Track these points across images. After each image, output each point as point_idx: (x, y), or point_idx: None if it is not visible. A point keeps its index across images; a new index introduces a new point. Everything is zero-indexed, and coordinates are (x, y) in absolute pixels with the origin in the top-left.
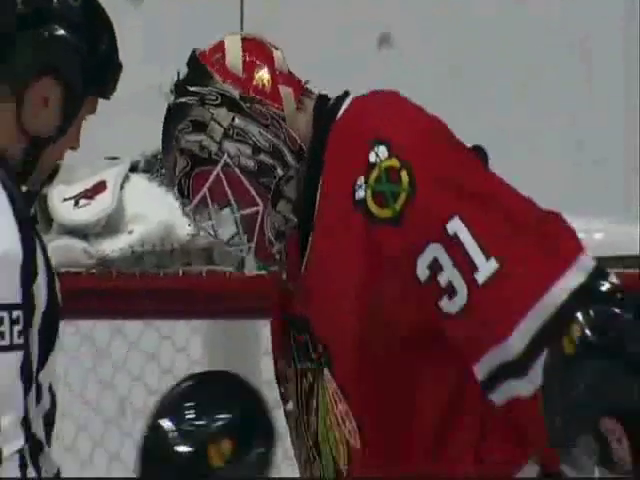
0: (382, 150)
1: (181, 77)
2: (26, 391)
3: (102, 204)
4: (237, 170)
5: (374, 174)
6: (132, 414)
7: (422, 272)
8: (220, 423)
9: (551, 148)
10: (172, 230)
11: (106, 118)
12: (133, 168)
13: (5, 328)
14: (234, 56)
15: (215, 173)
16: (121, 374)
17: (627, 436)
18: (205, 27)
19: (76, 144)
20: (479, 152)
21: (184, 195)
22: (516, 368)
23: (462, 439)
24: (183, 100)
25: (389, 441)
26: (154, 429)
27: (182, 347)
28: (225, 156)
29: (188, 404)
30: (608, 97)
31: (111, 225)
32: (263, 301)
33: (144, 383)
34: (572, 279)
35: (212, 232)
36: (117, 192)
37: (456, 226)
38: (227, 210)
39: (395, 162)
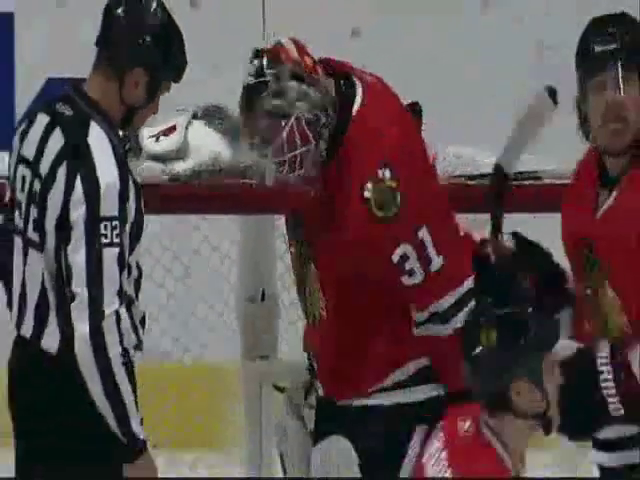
0: (387, 172)
1: (260, 65)
2: (121, 271)
3: (174, 139)
4: (303, 122)
5: (379, 186)
6: (193, 275)
7: (395, 257)
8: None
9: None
10: (219, 156)
11: (175, 85)
12: (194, 116)
13: (117, 231)
14: (292, 49)
15: (290, 124)
16: (185, 248)
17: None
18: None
19: (156, 111)
20: (415, 108)
21: (264, 142)
22: (443, 317)
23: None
24: (267, 79)
25: (345, 324)
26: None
27: (226, 231)
28: (295, 113)
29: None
30: None
31: (180, 153)
32: (276, 202)
33: (201, 255)
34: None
35: (282, 168)
36: (184, 132)
37: (423, 233)
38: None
39: (394, 184)
